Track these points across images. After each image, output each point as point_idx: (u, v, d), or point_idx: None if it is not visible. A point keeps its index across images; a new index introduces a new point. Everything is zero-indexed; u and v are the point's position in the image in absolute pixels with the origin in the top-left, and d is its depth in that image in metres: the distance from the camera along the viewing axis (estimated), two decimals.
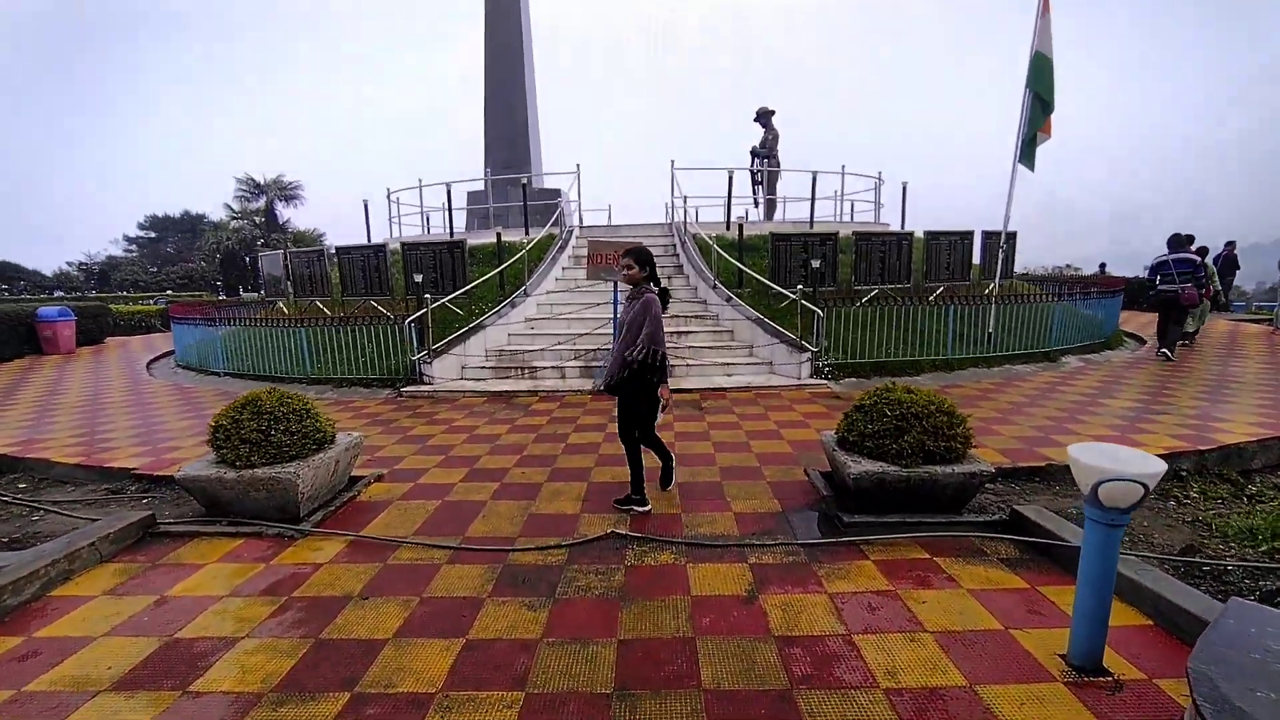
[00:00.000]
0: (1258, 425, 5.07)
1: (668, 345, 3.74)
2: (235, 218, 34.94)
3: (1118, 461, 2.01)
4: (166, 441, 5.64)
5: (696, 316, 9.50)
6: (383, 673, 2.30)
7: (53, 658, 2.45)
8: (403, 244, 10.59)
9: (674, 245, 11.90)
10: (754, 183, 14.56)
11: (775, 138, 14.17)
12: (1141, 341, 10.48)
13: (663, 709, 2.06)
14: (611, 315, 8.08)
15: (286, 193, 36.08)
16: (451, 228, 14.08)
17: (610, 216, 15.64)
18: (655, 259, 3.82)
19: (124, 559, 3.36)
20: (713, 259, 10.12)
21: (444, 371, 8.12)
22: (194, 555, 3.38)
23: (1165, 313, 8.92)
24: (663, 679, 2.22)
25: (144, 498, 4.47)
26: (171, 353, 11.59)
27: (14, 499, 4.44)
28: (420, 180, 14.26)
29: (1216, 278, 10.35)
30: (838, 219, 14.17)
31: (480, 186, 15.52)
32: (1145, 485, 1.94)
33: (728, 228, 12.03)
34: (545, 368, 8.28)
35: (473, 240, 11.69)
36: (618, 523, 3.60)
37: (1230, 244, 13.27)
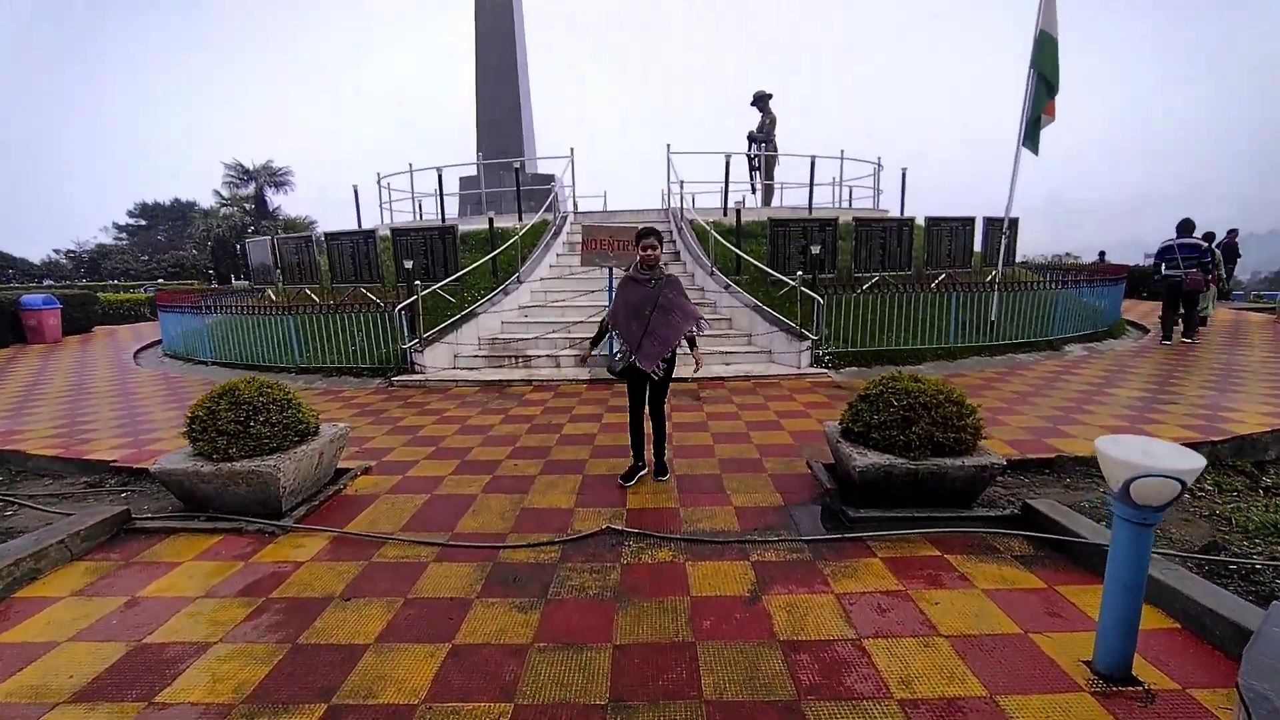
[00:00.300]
0: (1271, 415, 4.95)
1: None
2: (225, 204, 34.32)
3: (1151, 456, 1.86)
4: (149, 433, 5.46)
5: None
6: (362, 682, 2.16)
7: (12, 665, 2.30)
8: (393, 230, 10.34)
9: (670, 231, 11.68)
10: (751, 168, 14.31)
11: (772, 122, 13.90)
12: (1144, 330, 10.36)
13: None
14: (607, 302, 7.90)
15: (276, 179, 35.42)
16: (443, 213, 13.80)
17: (606, 202, 15.33)
18: None
19: (96, 557, 3.20)
20: (710, 245, 9.92)
21: (436, 360, 7.94)
22: (169, 553, 3.23)
23: (1170, 298, 8.81)
24: (661, 689, 2.08)
25: (123, 491, 4.29)
26: (159, 342, 11.37)
27: None
28: (411, 165, 13.93)
29: (1223, 264, 10.22)
30: (836, 205, 13.95)
31: (473, 171, 15.22)
32: (1183, 482, 1.80)
33: (725, 213, 11.81)
34: (539, 356, 8.10)
35: (465, 226, 11.45)
36: (613, 518, 3.46)
37: (1232, 232, 13.13)
